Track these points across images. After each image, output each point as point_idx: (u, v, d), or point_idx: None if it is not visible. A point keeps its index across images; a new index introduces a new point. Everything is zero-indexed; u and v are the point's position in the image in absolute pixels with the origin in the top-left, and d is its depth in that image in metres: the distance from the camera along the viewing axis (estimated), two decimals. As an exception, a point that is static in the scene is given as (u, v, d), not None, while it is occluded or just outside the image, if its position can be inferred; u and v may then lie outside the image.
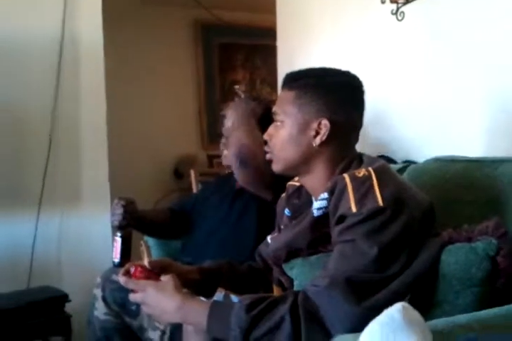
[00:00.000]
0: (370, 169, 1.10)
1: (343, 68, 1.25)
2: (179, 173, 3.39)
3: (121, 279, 1.17)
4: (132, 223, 1.74)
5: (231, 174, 2.01)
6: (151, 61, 3.43)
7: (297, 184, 1.31)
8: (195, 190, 2.57)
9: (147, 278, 1.16)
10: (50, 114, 2.29)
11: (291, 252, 1.19)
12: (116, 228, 1.72)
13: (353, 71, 1.25)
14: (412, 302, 1.03)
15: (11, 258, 2.23)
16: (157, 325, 1.51)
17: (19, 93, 2.26)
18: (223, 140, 1.88)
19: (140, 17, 3.38)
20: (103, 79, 2.42)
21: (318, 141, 1.18)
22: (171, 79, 3.52)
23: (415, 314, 0.85)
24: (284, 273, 1.23)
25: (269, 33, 2.95)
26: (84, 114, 2.39)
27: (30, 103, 2.29)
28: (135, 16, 3.34)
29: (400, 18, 1.88)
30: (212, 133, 3.63)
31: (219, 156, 3.48)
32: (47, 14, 2.30)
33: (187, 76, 3.64)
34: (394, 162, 1.78)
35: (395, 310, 0.83)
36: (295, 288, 1.18)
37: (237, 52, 3.82)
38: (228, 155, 1.84)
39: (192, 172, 2.67)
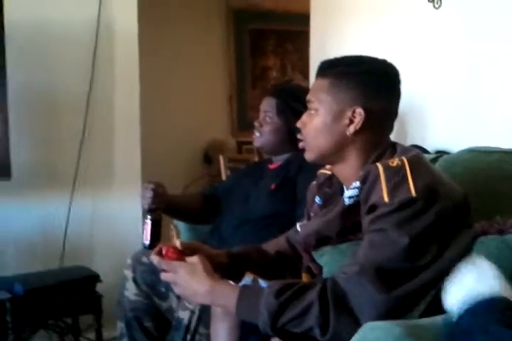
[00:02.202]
0: (403, 158, 1.09)
1: (378, 56, 1.24)
2: (209, 159, 3.41)
3: (154, 259, 1.19)
4: (161, 207, 1.76)
5: (261, 162, 2.03)
6: (183, 46, 3.44)
7: (328, 172, 1.31)
8: (223, 176, 2.60)
9: (178, 259, 1.18)
10: (85, 98, 2.34)
11: (321, 239, 1.20)
12: (146, 211, 1.75)
13: (388, 59, 1.24)
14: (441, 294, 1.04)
15: (45, 238, 2.29)
16: (187, 305, 1.54)
17: (56, 77, 2.31)
18: (259, 120, 1.89)
19: (173, 2, 3.38)
20: (137, 64, 2.45)
21: (352, 129, 1.17)
22: (202, 65, 3.53)
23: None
24: (313, 260, 1.24)
25: (302, 19, 2.92)
26: (118, 99, 2.43)
27: (67, 87, 2.33)
28: (168, 2, 3.34)
29: (437, 5, 1.85)
30: (242, 120, 3.63)
31: (248, 143, 3.54)
32: (83, 1, 2.33)
33: (218, 61, 3.64)
34: (426, 152, 1.76)
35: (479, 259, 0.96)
36: (324, 276, 1.19)
37: (268, 37, 3.80)
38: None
39: (221, 158, 2.70)
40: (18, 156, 2.07)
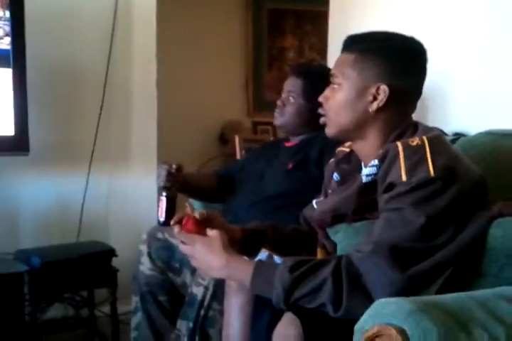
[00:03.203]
0: (424, 138, 1.08)
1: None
2: (224, 139, 3.42)
3: (175, 228, 1.20)
4: (176, 185, 1.77)
5: (277, 140, 2.02)
6: (201, 25, 3.42)
7: (347, 150, 1.30)
8: (238, 156, 2.60)
9: (197, 231, 1.19)
10: (103, 76, 2.34)
11: (337, 217, 1.20)
12: (161, 188, 1.76)
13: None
14: (455, 273, 1.05)
15: (62, 212, 2.32)
16: (200, 281, 1.56)
17: (75, 55, 2.32)
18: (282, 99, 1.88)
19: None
20: (154, 43, 2.45)
21: (375, 106, 1.16)
22: (220, 44, 3.51)
23: None
24: (327, 237, 1.24)
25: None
26: (135, 77, 2.43)
27: (85, 64, 2.34)
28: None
29: (462, -17, 1.81)
30: (259, 100, 3.63)
31: (264, 123, 3.53)
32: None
33: (236, 41, 3.62)
34: (444, 134, 1.74)
35: None
36: (338, 253, 1.20)
37: (287, 17, 3.76)
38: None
39: (236, 138, 2.69)
40: (36, 132, 2.08)
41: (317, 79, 1.82)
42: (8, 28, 1.98)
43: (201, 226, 1.20)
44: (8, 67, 1.99)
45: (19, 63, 2.00)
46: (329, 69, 1.94)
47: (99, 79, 2.34)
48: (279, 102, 1.88)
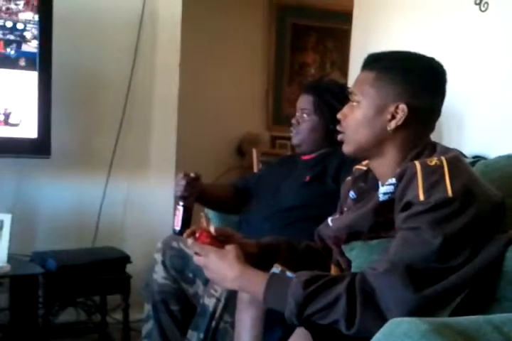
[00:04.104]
0: (442, 158, 1.09)
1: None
2: (242, 151, 3.44)
3: (189, 240, 1.22)
4: (194, 195, 1.79)
5: (294, 155, 2.03)
6: (224, 38, 3.47)
7: (364, 168, 1.31)
8: (255, 169, 2.61)
9: (211, 243, 1.20)
10: (126, 83, 2.38)
11: (352, 234, 1.20)
12: (178, 198, 1.78)
13: (433, 59, 1.23)
14: (470, 296, 1.04)
15: (79, 217, 2.35)
16: (212, 292, 1.56)
17: (99, 61, 2.36)
18: (296, 118, 1.90)
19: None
20: (178, 53, 2.48)
21: (393, 125, 1.17)
22: (242, 57, 3.55)
23: None
24: (342, 255, 1.24)
25: (344, 17, 2.91)
26: (157, 86, 2.47)
27: (109, 71, 2.38)
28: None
29: (483, 8, 1.82)
30: (277, 114, 3.65)
31: (282, 138, 3.55)
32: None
33: (258, 55, 3.65)
34: (463, 156, 1.74)
35: None
36: (352, 270, 1.20)
37: (309, 34, 3.79)
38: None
39: (254, 152, 2.71)
40: (58, 136, 2.12)
41: (328, 94, 1.86)
42: (36, 32, 2.02)
43: (214, 240, 1.21)
44: (34, 70, 2.03)
45: (45, 66, 2.04)
46: (340, 84, 1.97)
47: (122, 87, 2.38)
48: (293, 121, 1.91)
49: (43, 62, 2.03)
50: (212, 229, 1.24)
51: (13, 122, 2.03)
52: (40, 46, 2.02)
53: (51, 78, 2.04)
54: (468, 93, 1.89)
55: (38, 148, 2.06)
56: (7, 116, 2.02)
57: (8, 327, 1.87)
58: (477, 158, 1.65)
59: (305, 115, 1.88)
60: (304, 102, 1.89)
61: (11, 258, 1.90)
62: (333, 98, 1.83)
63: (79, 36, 2.29)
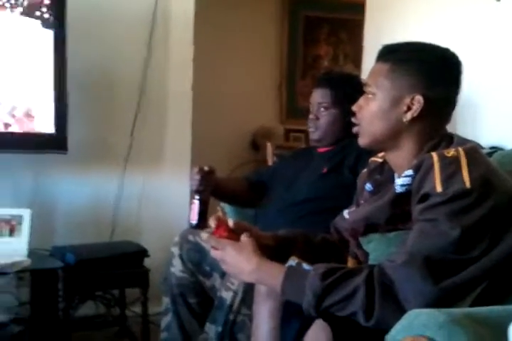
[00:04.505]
0: (460, 149, 1.08)
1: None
2: (256, 145, 3.45)
3: (203, 235, 1.23)
4: (209, 189, 1.79)
5: (310, 148, 2.03)
6: (236, 32, 3.46)
7: (380, 160, 1.30)
8: (270, 162, 2.61)
9: (228, 237, 1.21)
10: (140, 79, 2.40)
11: (369, 226, 1.20)
12: (194, 191, 1.79)
13: (449, 50, 1.22)
14: (489, 288, 1.04)
15: (96, 212, 2.37)
16: (230, 286, 1.57)
17: (114, 58, 2.38)
18: (314, 113, 1.88)
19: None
20: (191, 49, 2.49)
21: (409, 116, 1.16)
22: (255, 51, 3.55)
23: None
24: (360, 247, 1.25)
25: (357, 8, 2.89)
26: (171, 81, 2.48)
27: (123, 68, 2.40)
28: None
29: (500, -2, 1.80)
30: (291, 107, 3.64)
31: (296, 131, 3.54)
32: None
33: (271, 48, 3.65)
34: (481, 147, 1.73)
35: None
36: (370, 263, 1.20)
37: (322, 26, 3.77)
38: None
39: (268, 145, 2.71)
40: (75, 132, 2.14)
41: (344, 85, 1.83)
42: (50, 31, 2.04)
43: (232, 233, 1.21)
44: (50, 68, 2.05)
45: (61, 65, 2.06)
46: (354, 75, 1.94)
47: (137, 83, 2.40)
48: (311, 116, 1.87)
49: (58, 61, 2.05)
50: (230, 222, 1.24)
51: (31, 118, 2.06)
52: (55, 45, 2.05)
53: (66, 76, 2.06)
54: (484, 84, 1.88)
55: (55, 143, 2.09)
56: (25, 112, 2.05)
57: (30, 320, 1.90)
58: (494, 149, 1.64)
59: (323, 109, 1.85)
60: (321, 96, 1.86)
61: (31, 252, 1.93)
62: (350, 88, 1.79)
63: (93, 34, 2.31)
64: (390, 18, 2.47)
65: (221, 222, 1.23)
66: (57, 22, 2.05)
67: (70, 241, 2.17)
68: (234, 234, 1.22)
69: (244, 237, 1.18)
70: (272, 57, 3.64)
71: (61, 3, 2.05)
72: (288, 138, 3.63)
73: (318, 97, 1.87)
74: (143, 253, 2.11)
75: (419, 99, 1.15)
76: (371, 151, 1.37)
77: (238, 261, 1.16)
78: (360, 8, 2.76)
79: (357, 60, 3.01)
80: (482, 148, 1.69)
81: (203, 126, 2.85)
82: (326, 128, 1.86)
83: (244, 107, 3.42)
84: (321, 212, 1.71)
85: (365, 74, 1.60)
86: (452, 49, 1.23)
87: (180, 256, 1.75)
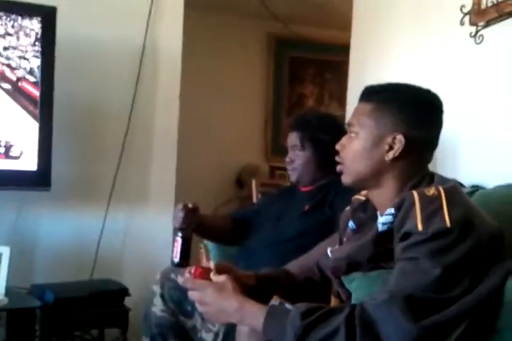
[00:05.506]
0: (440, 188, 1.09)
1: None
2: (241, 182, 3.46)
3: (180, 279, 1.21)
4: (192, 226, 1.79)
5: (293, 187, 2.05)
6: (223, 69, 3.53)
7: (363, 198, 1.32)
8: (255, 200, 2.62)
9: (206, 279, 1.20)
10: (127, 116, 2.40)
11: (352, 265, 1.20)
12: (177, 229, 1.78)
13: (428, 91, 1.25)
14: (471, 327, 1.03)
15: (78, 249, 2.33)
16: (210, 327, 1.55)
17: (100, 94, 2.39)
18: (289, 156, 1.93)
19: (216, 27, 3.48)
20: (178, 86, 2.52)
21: (391, 155, 1.18)
22: (240, 89, 3.61)
23: None
24: (342, 286, 1.24)
25: (341, 49, 2.98)
26: (157, 119, 2.49)
27: (110, 104, 2.41)
28: (211, 26, 3.45)
29: (478, 41, 1.86)
30: (276, 145, 3.68)
31: (281, 168, 3.56)
32: (131, 23, 2.42)
33: (257, 87, 3.72)
34: (461, 186, 1.75)
35: None
36: (352, 302, 1.19)
37: (307, 66, 3.86)
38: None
39: (253, 182, 2.72)
40: (58, 168, 2.13)
41: (311, 127, 1.90)
42: (38, 63, 2.03)
43: (209, 275, 1.20)
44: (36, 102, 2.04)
45: (47, 99, 2.05)
46: (325, 117, 2.00)
47: (123, 119, 2.40)
48: (287, 159, 1.95)
49: (44, 95, 2.05)
50: (211, 265, 1.23)
51: (14, 155, 2.05)
52: (42, 78, 2.05)
53: (53, 110, 2.06)
54: (464, 123, 1.91)
55: (38, 180, 2.07)
56: (8, 148, 2.04)
57: (4, 361, 1.84)
58: (475, 188, 1.66)
59: (297, 151, 1.92)
60: (292, 139, 1.93)
61: (9, 291, 1.88)
62: (316, 130, 1.88)
63: (80, 68, 2.32)
64: (373, 60, 2.54)
65: (197, 266, 1.23)
66: (45, 56, 2.05)
67: (50, 278, 2.13)
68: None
69: (222, 277, 1.17)
70: (257, 96, 3.71)
71: (49, 38, 2.05)
72: (273, 175, 3.65)
73: (291, 140, 1.94)
74: (123, 291, 2.07)
75: (400, 139, 1.17)
76: (351, 188, 1.38)
77: (219, 301, 1.15)
78: (344, 50, 2.84)
79: (342, 99, 3.08)
80: (463, 186, 1.71)
81: (189, 163, 2.86)
82: (301, 170, 1.92)
83: (229, 144, 3.45)
84: (304, 250, 1.70)
85: (349, 112, 1.63)
86: (433, 89, 1.26)
87: (162, 295, 1.72)
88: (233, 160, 3.49)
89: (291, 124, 2.01)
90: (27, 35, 2.03)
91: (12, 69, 2.03)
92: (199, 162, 3.25)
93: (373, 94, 1.23)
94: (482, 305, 1.03)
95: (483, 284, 1.04)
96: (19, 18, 2.03)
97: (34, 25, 2.04)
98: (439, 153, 1.85)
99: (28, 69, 2.04)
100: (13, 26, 2.02)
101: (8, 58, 2.03)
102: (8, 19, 2.02)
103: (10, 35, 2.02)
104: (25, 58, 2.05)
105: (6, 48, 2.02)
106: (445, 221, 1.04)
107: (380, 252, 1.16)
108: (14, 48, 2.03)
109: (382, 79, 2.42)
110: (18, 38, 2.02)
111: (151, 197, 2.48)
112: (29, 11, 2.03)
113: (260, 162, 3.66)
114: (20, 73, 2.04)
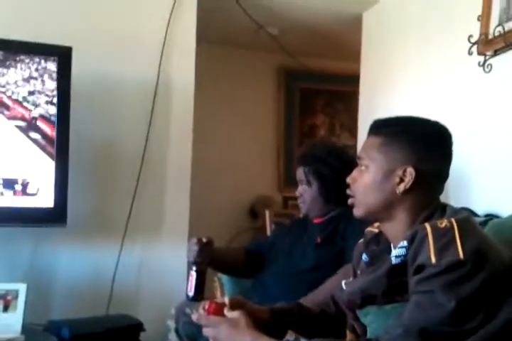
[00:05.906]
0: (452, 220, 1.09)
1: (428, 118, 1.27)
2: (255, 213, 3.47)
3: (193, 317, 1.20)
4: (206, 260, 1.79)
5: (306, 219, 2.06)
6: (235, 103, 3.58)
7: (376, 230, 1.32)
8: (268, 230, 2.62)
9: (220, 315, 1.19)
10: (141, 152, 2.43)
11: (366, 298, 1.19)
12: (191, 263, 1.78)
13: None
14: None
15: (93, 284, 2.33)
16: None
17: (115, 131, 2.42)
18: (299, 191, 1.96)
19: (227, 61, 3.55)
20: (191, 121, 2.55)
21: (401, 188, 1.19)
22: (252, 121, 3.65)
23: None
24: (357, 319, 1.23)
25: (351, 80, 3.02)
26: (171, 154, 2.51)
27: (125, 140, 2.44)
28: (223, 59, 3.51)
29: (487, 70, 1.87)
30: (289, 176, 3.69)
31: (294, 198, 3.55)
32: (144, 60, 2.47)
33: (268, 118, 3.75)
34: (475, 215, 1.74)
35: None
36: (368, 336, 1.18)
37: (318, 97, 3.90)
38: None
39: (267, 213, 2.72)
40: (74, 204, 2.15)
41: (314, 162, 1.93)
42: (54, 102, 2.06)
43: (223, 310, 1.20)
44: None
45: (62, 138, 2.07)
46: (327, 149, 2.03)
47: (137, 156, 2.43)
48: (297, 193, 1.98)
49: (60, 133, 2.09)
50: (225, 300, 1.23)
51: (31, 192, 2.08)
52: (58, 117, 2.08)
53: (68, 149, 2.09)
54: (476, 152, 1.91)
55: (55, 217, 2.08)
56: (25, 186, 2.07)
57: None
58: (489, 217, 1.65)
59: (305, 186, 1.95)
60: (299, 174, 1.97)
61: (25, 328, 1.88)
62: (321, 164, 1.91)
63: (95, 108, 2.36)
64: (382, 90, 2.57)
65: (211, 301, 1.22)
66: (62, 96, 2.08)
67: (67, 314, 2.12)
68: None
69: (236, 313, 1.17)
70: (269, 127, 3.74)
71: (65, 78, 2.09)
72: (286, 205, 3.65)
73: (298, 175, 1.98)
74: (138, 327, 2.05)
75: (410, 172, 1.18)
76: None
77: (233, 337, 1.14)
78: (354, 81, 2.88)
79: (353, 129, 3.09)
80: (477, 215, 1.71)
81: (202, 195, 2.87)
82: (309, 204, 1.95)
83: (242, 176, 3.47)
84: (318, 282, 1.70)
85: (360, 143, 1.64)
86: (444, 118, 1.28)
87: (176, 330, 1.73)
88: (246, 191, 3.50)
89: (297, 159, 2.07)
90: (41, 75, 2.08)
91: (28, 108, 2.08)
92: (212, 194, 3.26)
93: (382, 127, 1.24)
94: (497, 338, 1.02)
95: (499, 316, 1.03)
96: (36, 58, 2.08)
97: (49, 64, 2.09)
98: (452, 182, 1.85)
99: (45, 108, 2.09)
100: (30, 68, 2.08)
101: (26, 100, 2.08)
102: (29, 61, 2.07)
103: (34, 78, 2.07)
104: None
105: (30, 93, 2.07)
106: (458, 253, 1.04)
107: (394, 285, 1.15)
108: (34, 92, 2.08)
109: (392, 109, 2.46)
110: (36, 79, 2.08)
111: (165, 231, 2.48)
112: (46, 52, 2.08)
113: (273, 192, 3.67)
114: (36, 112, 2.09)
